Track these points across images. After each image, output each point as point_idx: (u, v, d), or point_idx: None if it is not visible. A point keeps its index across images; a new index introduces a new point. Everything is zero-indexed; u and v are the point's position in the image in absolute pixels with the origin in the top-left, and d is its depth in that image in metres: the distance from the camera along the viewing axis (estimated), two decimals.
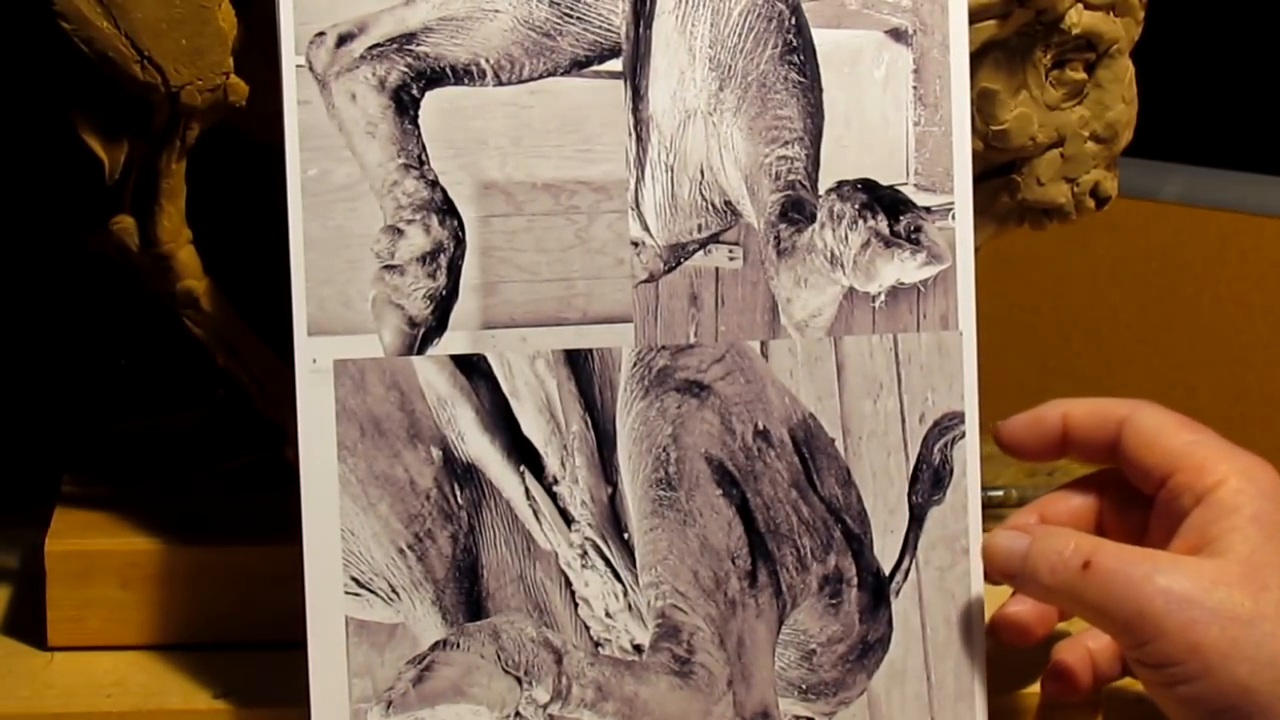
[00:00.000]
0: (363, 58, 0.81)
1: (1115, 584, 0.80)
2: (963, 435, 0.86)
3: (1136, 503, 0.85)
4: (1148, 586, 0.79)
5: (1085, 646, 0.86)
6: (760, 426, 0.84)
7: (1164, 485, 0.83)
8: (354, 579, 0.81)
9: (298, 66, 0.80)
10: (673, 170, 0.83)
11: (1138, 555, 0.81)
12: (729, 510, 0.84)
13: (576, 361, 0.83)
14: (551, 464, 0.83)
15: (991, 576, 0.85)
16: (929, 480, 0.86)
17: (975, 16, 0.87)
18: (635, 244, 0.83)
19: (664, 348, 0.83)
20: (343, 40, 0.81)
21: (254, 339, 0.90)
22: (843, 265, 0.84)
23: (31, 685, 0.88)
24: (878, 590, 0.85)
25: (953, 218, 0.85)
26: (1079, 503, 0.87)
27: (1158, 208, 1.65)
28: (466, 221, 0.82)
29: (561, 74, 0.82)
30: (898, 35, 0.85)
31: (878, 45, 0.85)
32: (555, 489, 0.83)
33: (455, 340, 0.82)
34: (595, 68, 0.82)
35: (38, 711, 0.86)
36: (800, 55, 0.84)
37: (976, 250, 0.86)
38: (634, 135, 0.83)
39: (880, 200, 0.84)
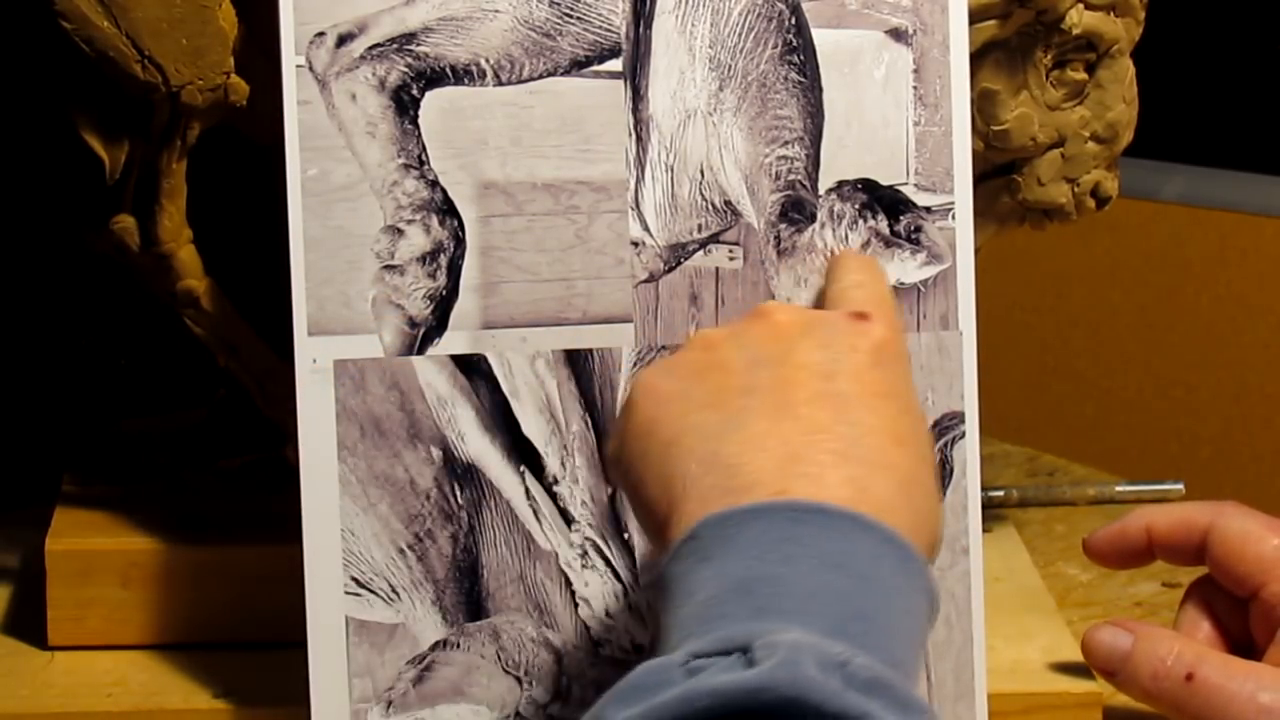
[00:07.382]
0: (363, 58, 0.81)
1: (1218, 699, 0.79)
2: (963, 435, 0.86)
3: (1237, 604, 0.85)
4: (1251, 705, 0.78)
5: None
6: None
7: (1258, 595, 0.83)
8: (354, 579, 0.81)
9: (298, 66, 0.80)
10: (673, 170, 0.83)
11: (1241, 670, 0.80)
12: None
13: (576, 361, 0.83)
14: (551, 464, 0.83)
15: (1090, 667, 0.85)
16: None
17: (975, 16, 0.87)
18: (635, 244, 0.83)
19: (664, 348, 0.83)
20: (343, 40, 0.81)
21: (254, 339, 0.90)
22: None
23: (31, 685, 0.88)
24: None
25: (953, 218, 0.85)
26: (1186, 605, 0.87)
27: (1158, 208, 1.65)
28: (466, 221, 0.82)
29: (561, 74, 0.82)
30: (898, 35, 0.85)
31: (878, 45, 0.85)
32: (555, 489, 0.83)
33: (455, 340, 0.82)
34: (595, 68, 0.82)
35: (38, 711, 0.86)
36: (800, 55, 0.84)
37: (976, 250, 0.86)
38: (634, 135, 0.83)
39: (880, 200, 0.84)
